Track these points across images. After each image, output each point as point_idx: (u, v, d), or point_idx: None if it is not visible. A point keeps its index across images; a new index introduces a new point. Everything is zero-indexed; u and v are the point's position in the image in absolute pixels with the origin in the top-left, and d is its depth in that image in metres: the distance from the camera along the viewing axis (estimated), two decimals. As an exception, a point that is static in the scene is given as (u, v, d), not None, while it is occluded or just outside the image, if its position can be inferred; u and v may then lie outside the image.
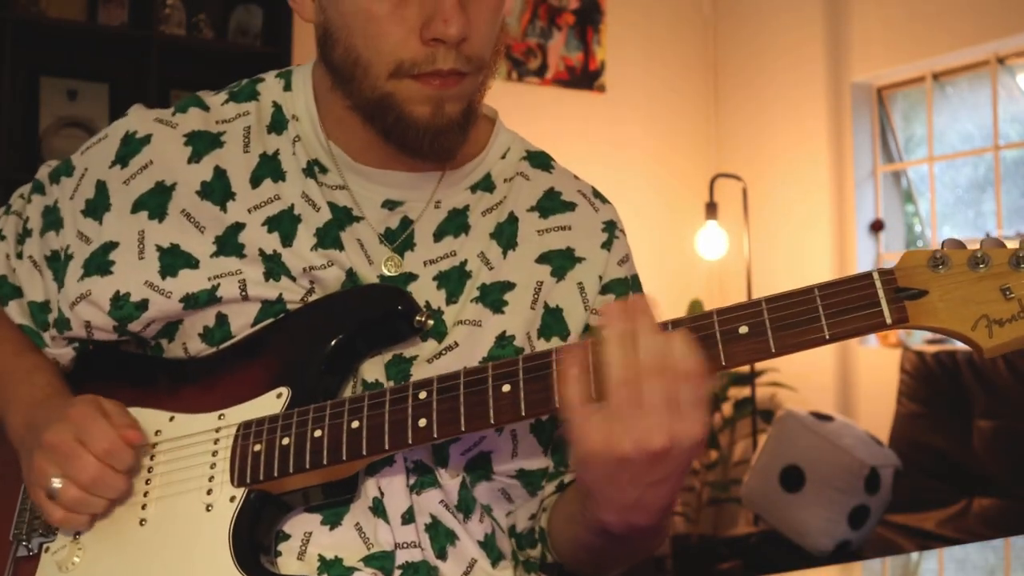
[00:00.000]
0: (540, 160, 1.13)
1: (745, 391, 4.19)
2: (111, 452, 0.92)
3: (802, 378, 4.11)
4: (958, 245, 0.79)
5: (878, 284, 0.79)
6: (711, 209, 4.17)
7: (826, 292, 0.80)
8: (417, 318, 0.97)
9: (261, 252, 0.99)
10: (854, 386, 3.99)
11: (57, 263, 1.05)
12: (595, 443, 0.80)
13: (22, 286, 1.08)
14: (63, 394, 1.01)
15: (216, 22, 3.53)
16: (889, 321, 0.78)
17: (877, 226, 4.05)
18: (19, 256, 1.09)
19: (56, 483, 0.91)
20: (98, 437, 0.92)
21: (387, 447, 0.88)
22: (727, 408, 4.25)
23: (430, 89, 0.94)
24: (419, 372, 0.97)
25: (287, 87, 1.08)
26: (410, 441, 0.88)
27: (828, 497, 3.07)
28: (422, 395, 0.88)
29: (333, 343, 0.96)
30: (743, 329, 0.81)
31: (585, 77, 4.34)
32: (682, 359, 0.78)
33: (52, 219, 1.07)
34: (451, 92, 0.95)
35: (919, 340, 3.85)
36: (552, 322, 1.03)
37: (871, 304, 0.78)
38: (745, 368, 4.15)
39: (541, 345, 1.02)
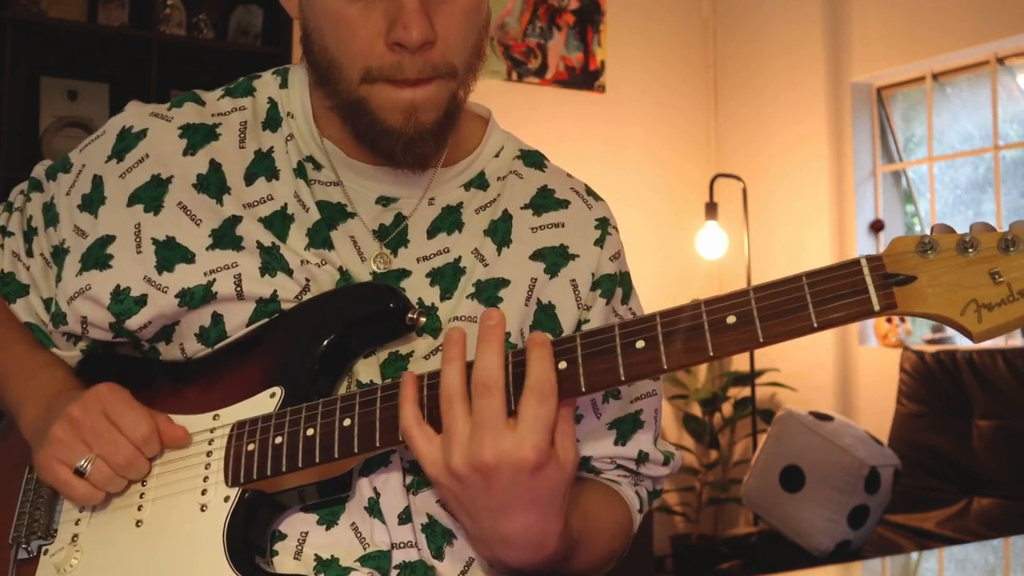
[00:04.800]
0: (533, 159, 1.14)
1: (745, 391, 4.20)
2: (148, 440, 0.93)
3: (802, 378, 4.11)
4: (947, 230, 0.78)
5: (866, 271, 0.78)
6: (711, 209, 4.17)
7: (814, 280, 0.79)
8: (409, 315, 0.96)
9: (259, 244, 0.99)
10: (854, 386, 4.00)
11: (58, 258, 1.05)
12: (430, 463, 0.85)
13: (36, 284, 1.08)
14: (81, 387, 1.01)
15: (216, 22, 3.53)
16: (877, 308, 0.77)
17: (877, 226, 4.05)
18: (29, 254, 1.09)
19: (87, 462, 0.92)
20: (136, 421, 0.93)
21: (378, 444, 0.88)
22: (727, 408, 4.25)
23: (403, 92, 0.94)
24: (416, 369, 0.97)
25: (283, 84, 1.08)
26: (401, 438, 0.88)
27: (828, 497, 3.07)
28: None
29: (326, 342, 0.96)
30: (731, 319, 0.80)
31: (585, 77, 4.34)
32: (532, 378, 0.82)
33: (50, 215, 1.07)
34: (422, 97, 0.94)
35: (919, 340, 3.85)
36: (544, 319, 1.03)
37: (859, 291, 0.77)
38: (745, 368, 4.16)
39: None
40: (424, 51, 0.93)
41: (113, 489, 0.95)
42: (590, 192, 1.14)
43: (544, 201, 1.09)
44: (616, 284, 1.09)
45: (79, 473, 0.92)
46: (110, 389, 0.95)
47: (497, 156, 1.11)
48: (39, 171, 1.12)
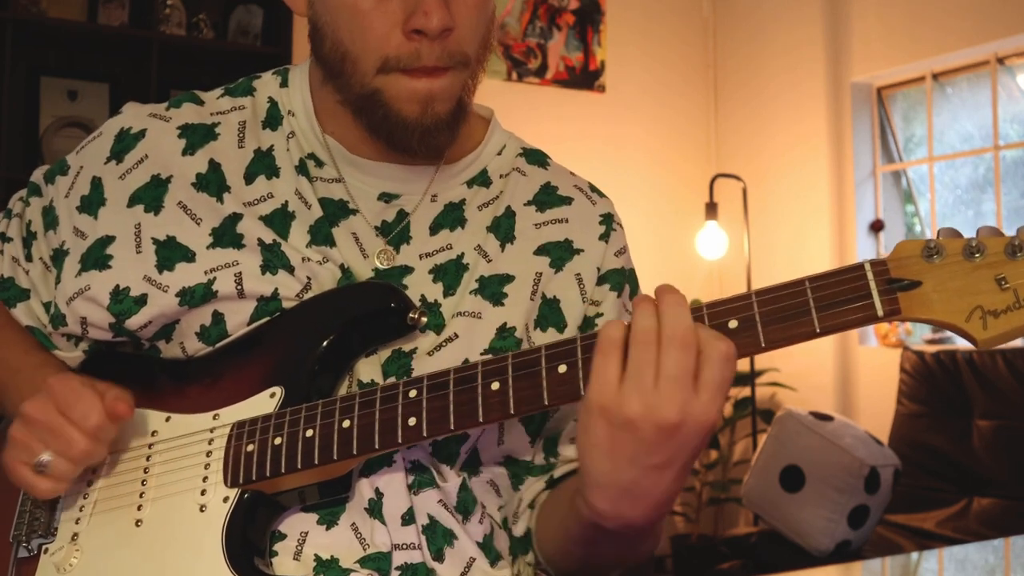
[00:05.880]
0: (536, 157, 1.14)
1: (745, 391, 4.19)
2: (100, 427, 0.92)
3: (802, 378, 4.11)
4: (953, 234, 0.77)
5: (870, 276, 0.77)
6: (711, 209, 4.17)
7: (817, 284, 0.78)
8: (410, 315, 0.96)
9: (260, 241, 0.99)
10: (854, 386, 3.99)
11: (57, 261, 1.05)
12: (606, 397, 0.78)
13: (36, 288, 1.08)
14: None
15: (216, 22, 3.53)
16: (881, 313, 0.76)
17: (877, 226, 4.05)
18: (29, 259, 1.09)
19: (46, 458, 0.92)
20: (85, 411, 0.92)
21: (377, 447, 0.88)
22: (727, 408, 4.25)
23: (419, 83, 0.94)
24: (420, 366, 0.97)
25: (284, 83, 1.08)
26: (400, 440, 0.87)
27: (828, 497, 3.07)
28: (412, 393, 0.88)
29: (326, 342, 0.95)
30: (732, 323, 0.79)
31: (585, 77, 4.34)
32: (713, 339, 0.78)
33: (50, 218, 1.07)
34: (438, 87, 0.95)
35: (919, 340, 3.85)
36: (549, 313, 1.03)
37: (863, 296, 0.76)
38: (745, 368, 4.15)
39: (537, 336, 1.02)
40: (442, 39, 0.93)
41: (74, 476, 0.94)
42: (594, 189, 1.14)
43: (547, 198, 1.09)
44: (624, 279, 1.09)
45: (40, 470, 0.92)
46: (59, 380, 0.94)
47: (499, 154, 1.11)
48: (38, 176, 1.12)
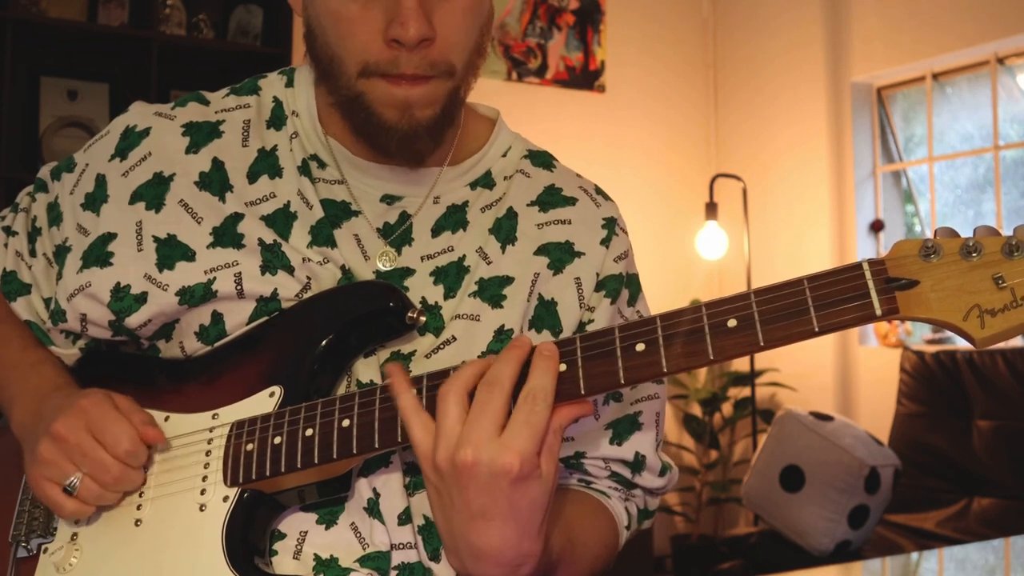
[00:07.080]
0: (542, 159, 1.13)
1: (745, 391, 4.20)
2: (132, 453, 0.93)
3: (802, 378, 4.11)
4: (951, 234, 0.77)
5: (868, 275, 0.77)
6: (711, 209, 4.17)
7: (815, 284, 0.78)
8: (409, 315, 0.96)
9: (260, 242, 0.99)
10: (854, 386, 4.00)
11: (59, 257, 1.05)
12: (422, 453, 0.84)
13: (38, 283, 1.08)
14: (71, 386, 1.02)
15: (216, 22, 3.54)
16: (879, 312, 0.76)
17: (877, 226, 4.05)
18: (33, 254, 1.09)
19: (75, 480, 0.92)
20: (118, 436, 0.92)
21: (377, 446, 0.88)
22: (727, 408, 4.26)
23: (398, 89, 0.94)
24: (418, 367, 0.97)
25: (289, 83, 1.08)
26: (400, 439, 0.87)
27: (828, 497, 3.07)
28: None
29: (325, 342, 0.95)
30: (731, 323, 0.80)
31: (585, 77, 4.34)
32: (531, 380, 0.82)
33: (54, 215, 1.07)
34: (417, 95, 0.94)
35: (919, 340, 3.85)
36: (545, 315, 1.03)
37: (861, 295, 0.77)
38: (745, 368, 4.16)
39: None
40: (422, 48, 0.93)
41: (106, 502, 0.95)
42: (599, 191, 1.13)
43: (551, 198, 1.09)
44: (622, 285, 1.08)
45: (68, 491, 0.93)
46: (92, 402, 0.94)
47: (504, 156, 1.11)
48: (45, 172, 1.13)
